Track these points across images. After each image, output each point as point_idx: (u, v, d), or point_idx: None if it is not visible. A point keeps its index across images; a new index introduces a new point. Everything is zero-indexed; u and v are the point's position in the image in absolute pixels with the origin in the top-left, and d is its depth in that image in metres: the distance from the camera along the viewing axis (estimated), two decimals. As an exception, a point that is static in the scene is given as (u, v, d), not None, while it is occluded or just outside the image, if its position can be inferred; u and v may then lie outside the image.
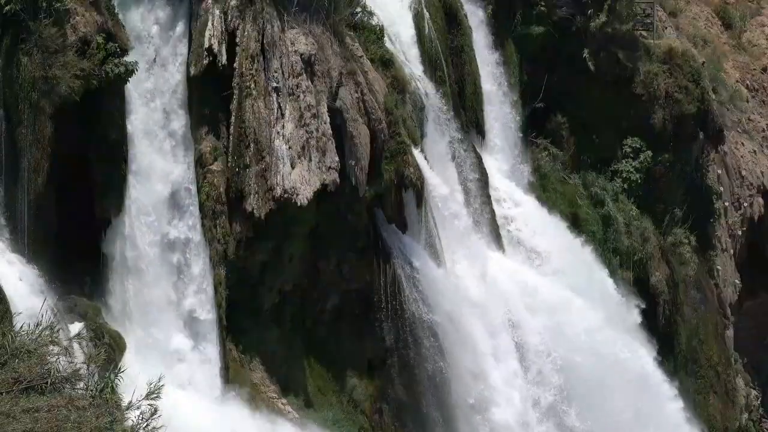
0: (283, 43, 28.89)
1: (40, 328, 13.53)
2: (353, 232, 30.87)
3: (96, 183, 25.77)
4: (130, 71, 25.51)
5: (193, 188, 27.96)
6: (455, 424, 32.24)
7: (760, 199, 48.49)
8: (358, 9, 32.18)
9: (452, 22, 37.02)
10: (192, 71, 27.72)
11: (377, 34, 32.82)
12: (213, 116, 28.48)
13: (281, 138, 28.35)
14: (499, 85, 39.39)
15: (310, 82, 29.09)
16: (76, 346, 14.49)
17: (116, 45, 25.40)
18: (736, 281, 46.92)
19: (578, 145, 41.84)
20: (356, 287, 31.28)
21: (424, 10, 35.38)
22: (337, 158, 29.06)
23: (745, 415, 45.90)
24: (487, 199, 36.07)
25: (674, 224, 42.94)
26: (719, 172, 45.98)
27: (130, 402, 12.96)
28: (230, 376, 28.19)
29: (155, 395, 12.91)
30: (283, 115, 28.55)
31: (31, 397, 12.75)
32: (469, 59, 37.27)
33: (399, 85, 32.82)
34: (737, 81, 50.22)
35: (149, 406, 12.93)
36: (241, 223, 28.27)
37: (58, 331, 13.79)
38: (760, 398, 48.17)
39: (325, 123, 29.05)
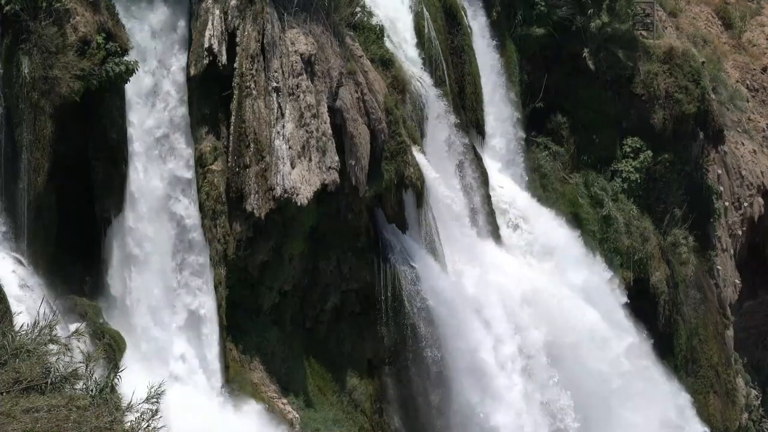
0: (283, 43, 28.88)
1: (39, 326, 13.52)
2: (353, 232, 30.87)
3: (96, 183, 25.77)
4: (130, 71, 25.49)
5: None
6: (456, 424, 32.23)
7: (760, 199, 48.53)
8: (358, 9, 32.17)
9: (452, 22, 37.03)
10: (192, 71, 27.70)
11: (377, 34, 32.83)
12: (213, 116, 28.47)
13: (281, 138, 28.35)
14: (499, 85, 39.40)
15: (310, 82, 29.09)
16: (75, 345, 14.47)
17: (116, 45, 25.38)
18: (736, 281, 46.95)
19: (578, 144, 41.87)
20: (356, 287, 31.29)
21: (424, 10, 35.38)
22: (337, 158, 29.06)
23: (745, 415, 45.92)
24: (487, 199, 36.07)
25: (674, 224, 42.96)
26: (719, 172, 46.00)
27: (130, 403, 12.95)
28: (230, 376, 28.19)
29: (155, 399, 12.90)
30: (283, 115, 28.54)
31: (31, 397, 12.73)
32: (469, 59, 37.26)
33: (399, 85, 32.82)
34: (737, 81, 50.28)
35: (149, 409, 12.92)
36: (241, 223, 28.26)
37: (55, 326, 13.77)
38: (760, 398, 48.20)
39: (325, 123, 29.05)
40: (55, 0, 24.40)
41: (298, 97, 28.80)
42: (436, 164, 33.59)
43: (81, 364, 13.66)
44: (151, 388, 13.20)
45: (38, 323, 13.62)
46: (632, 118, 42.32)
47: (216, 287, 28.02)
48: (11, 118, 24.46)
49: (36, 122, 24.30)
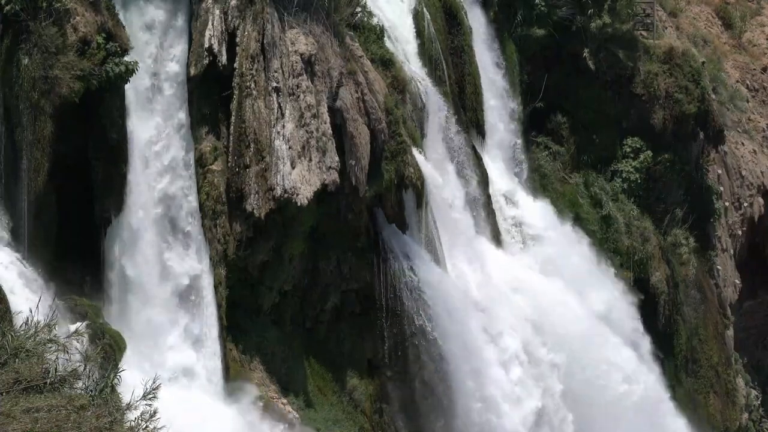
0: (283, 43, 28.89)
1: (38, 326, 13.51)
2: (353, 232, 30.87)
3: (96, 183, 25.77)
4: (130, 71, 25.50)
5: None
6: (456, 424, 32.22)
7: (760, 199, 48.54)
8: (358, 9, 32.18)
9: (452, 22, 37.04)
10: (192, 71, 27.72)
11: (377, 34, 32.84)
12: (213, 116, 28.48)
13: (281, 138, 28.36)
14: (499, 84, 39.40)
15: (310, 82, 29.09)
16: (74, 345, 14.46)
17: (116, 45, 25.40)
18: (736, 281, 46.94)
19: (578, 144, 41.87)
20: (356, 287, 31.29)
21: (424, 10, 35.38)
22: (337, 158, 29.07)
23: (745, 415, 45.92)
24: (487, 199, 36.07)
25: (674, 224, 42.96)
26: (719, 172, 46.01)
27: (129, 402, 12.95)
28: (230, 376, 28.19)
29: (152, 395, 12.89)
30: (283, 115, 28.55)
31: (31, 397, 12.73)
32: (469, 59, 37.27)
33: (399, 85, 32.82)
34: (737, 81, 50.29)
35: (148, 407, 12.92)
36: (241, 223, 28.27)
37: (54, 326, 13.76)
38: (760, 398, 48.20)
39: (325, 123, 29.05)
40: (55, 0, 24.40)
41: (298, 97, 28.81)
42: (436, 164, 33.60)
43: (80, 364, 13.66)
44: (146, 382, 13.18)
45: (38, 323, 13.61)
46: (632, 118, 42.32)
47: (216, 287, 28.04)
48: (11, 118, 24.47)
49: (36, 122, 24.30)
